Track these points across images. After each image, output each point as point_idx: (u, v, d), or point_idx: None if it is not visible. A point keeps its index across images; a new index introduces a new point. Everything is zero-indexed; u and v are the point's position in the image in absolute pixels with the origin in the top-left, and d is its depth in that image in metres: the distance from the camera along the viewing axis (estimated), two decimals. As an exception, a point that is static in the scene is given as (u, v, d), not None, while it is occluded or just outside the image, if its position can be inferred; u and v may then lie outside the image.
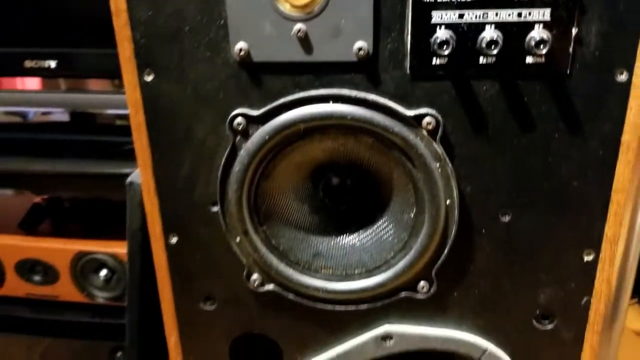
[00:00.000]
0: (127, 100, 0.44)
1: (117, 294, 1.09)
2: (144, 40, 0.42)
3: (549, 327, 0.47)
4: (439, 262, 0.45)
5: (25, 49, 1.00)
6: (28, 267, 1.10)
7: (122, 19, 0.41)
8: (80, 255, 1.06)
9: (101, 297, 1.09)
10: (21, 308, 1.14)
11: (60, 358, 1.18)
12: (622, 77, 0.39)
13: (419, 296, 0.47)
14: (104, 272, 1.09)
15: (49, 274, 1.10)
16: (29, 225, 1.12)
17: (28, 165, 1.01)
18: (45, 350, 1.18)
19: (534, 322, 0.47)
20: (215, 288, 0.50)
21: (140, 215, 0.57)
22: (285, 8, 0.40)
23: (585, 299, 0.46)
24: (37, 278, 1.11)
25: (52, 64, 1.01)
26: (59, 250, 1.07)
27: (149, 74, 0.43)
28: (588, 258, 0.44)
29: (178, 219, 0.48)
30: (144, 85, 0.43)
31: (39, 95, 1.08)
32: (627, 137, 0.40)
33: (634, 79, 0.39)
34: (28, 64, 1.02)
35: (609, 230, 0.43)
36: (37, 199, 1.20)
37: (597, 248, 0.44)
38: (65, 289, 1.10)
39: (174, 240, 0.49)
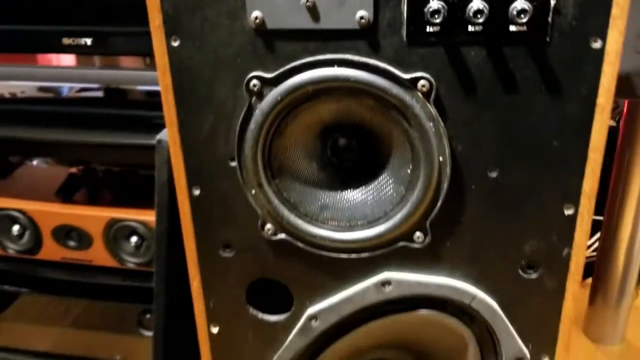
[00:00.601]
0: (156, 64, 0.50)
1: (146, 259, 1.16)
2: (171, 10, 0.48)
3: (534, 276, 0.52)
4: (433, 214, 0.50)
5: (63, 27, 1.07)
6: (64, 233, 1.17)
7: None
8: (112, 222, 1.13)
9: (131, 262, 1.16)
10: (57, 271, 1.21)
11: (93, 320, 1.26)
12: (597, 45, 0.43)
13: (415, 246, 0.52)
14: (134, 239, 1.16)
15: (83, 240, 1.17)
16: (66, 193, 1.19)
17: (65, 137, 1.08)
18: (79, 312, 1.26)
19: (520, 271, 0.52)
20: (233, 236, 0.55)
21: (167, 170, 0.63)
22: (297, -19, 0.45)
23: (566, 250, 0.50)
24: (72, 243, 1.18)
25: (88, 41, 1.08)
26: (92, 217, 1.14)
27: (175, 40, 0.49)
28: (568, 212, 0.49)
29: (200, 172, 0.53)
30: (170, 51, 0.49)
31: (74, 72, 1.15)
32: (601, 99, 0.44)
33: (607, 46, 0.43)
34: (66, 41, 1.09)
35: (586, 185, 0.47)
36: (73, 169, 1.27)
37: (576, 202, 0.48)
38: (99, 254, 1.17)
39: (197, 192, 0.54)
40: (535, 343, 0.54)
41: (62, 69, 1.15)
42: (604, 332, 1.16)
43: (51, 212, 1.16)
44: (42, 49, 1.14)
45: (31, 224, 1.18)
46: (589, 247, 1.37)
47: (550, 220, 0.49)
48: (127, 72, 1.11)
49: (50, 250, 1.19)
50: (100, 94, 1.24)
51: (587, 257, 1.35)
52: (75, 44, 1.08)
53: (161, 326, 0.76)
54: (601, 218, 1.08)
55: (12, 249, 1.21)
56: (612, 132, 1.02)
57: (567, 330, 0.53)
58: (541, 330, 0.54)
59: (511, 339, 0.54)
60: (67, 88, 1.28)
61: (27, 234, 1.19)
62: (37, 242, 1.19)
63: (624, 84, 0.89)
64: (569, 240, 0.50)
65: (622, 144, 1.02)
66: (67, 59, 1.24)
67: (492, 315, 0.53)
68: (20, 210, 1.17)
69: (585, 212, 0.48)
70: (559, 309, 0.53)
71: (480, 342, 0.56)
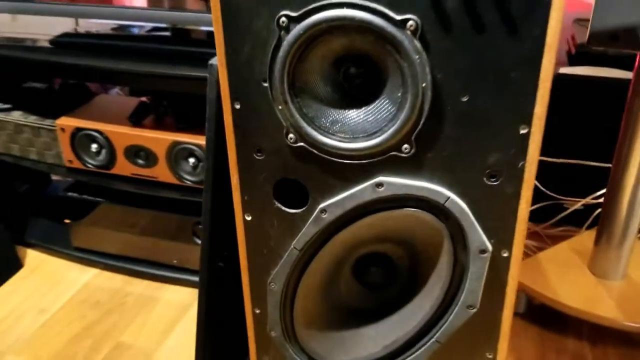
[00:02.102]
0: (210, 1, 0.65)
1: (201, 178, 1.35)
2: (223, -39, 0.62)
3: (496, 183, 0.65)
4: (417, 130, 0.64)
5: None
6: (134, 152, 1.37)
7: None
8: (174, 145, 1.32)
9: (189, 180, 1.36)
10: (127, 184, 1.41)
11: (155, 228, 1.47)
12: (546, -5, 0.55)
13: (403, 155, 0.66)
14: (192, 160, 1.35)
15: (150, 159, 1.37)
16: (137, 118, 1.38)
17: (137, 68, 1.25)
18: (145, 221, 1.47)
19: (485, 179, 0.65)
20: (264, 143, 0.71)
21: (215, 89, 0.79)
22: (316, -60, 0.58)
23: (521, 162, 0.63)
24: (140, 161, 1.38)
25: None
26: (158, 139, 1.33)
27: (225, -15, 0.63)
28: (523, 131, 0.61)
29: (241, 90, 0.69)
30: (222, -6, 0.64)
31: (146, 12, 1.31)
32: (549, 39, 0.56)
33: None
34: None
35: (537, 109, 0.60)
36: (143, 98, 1.46)
37: (529, 123, 0.61)
38: (162, 172, 1.37)
39: (237, 106, 0.70)
40: (497, 239, 0.68)
41: (137, 10, 1.31)
42: (607, 269, 1.28)
43: (124, 134, 1.36)
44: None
45: (107, 143, 1.38)
46: (599, 195, 1.46)
47: (509, 138, 0.62)
48: (191, 14, 1.26)
49: (122, 167, 1.40)
50: (168, 32, 1.41)
51: (595, 204, 1.44)
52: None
53: (208, 221, 0.93)
54: (610, 165, 1.18)
55: (90, 164, 1.42)
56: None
57: (522, 229, 0.66)
58: (502, 228, 0.67)
59: (477, 234, 0.68)
60: (139, 27, 1.46)
61: (103, 152, 1.40)
62: (111, 159, 1.40)
63: (631, 35, 0.98)
64: (523, 154, 0.62)
65: (632, 95, 1.11)
66: (140, 1, 1.40)
67: (461, 213, 0.67)
68: (98, 131, 1.38)
69: (537, 131, 0.61)
70: (516, 210, 0.66)
71: (453, 236, 0.70)
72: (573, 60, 1.50)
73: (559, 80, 1.41)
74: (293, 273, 0.77)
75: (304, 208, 0.74)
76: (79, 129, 1.37)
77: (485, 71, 0.60)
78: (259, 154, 0.72)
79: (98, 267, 1.53)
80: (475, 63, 0.60)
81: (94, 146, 1.38)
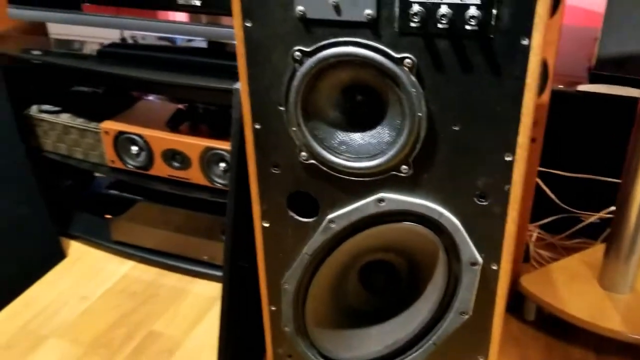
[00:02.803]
0: (235, 37, 0.74)
1: (230, 182, 1.42)
2: (246, 2, 0.71)
3: (485, 203, 0.72)
4: (414, 153, 0.72)
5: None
6: (170, 155, 1.48)
7: (235, -12, 0.71)
8: (207, 150, 1.43)
9: (219, 183, 1.46)
10: (164, 185, 1.52)
11: (188, 226, 1.57)
12: (525, 42, 0.62)
13: (402, 175, 0.74)
14: (222, 164, 1.45)
15: (184, 162, 1.48)
16: (173, 124, 1.49)
17: (175, 79, 1.36)
18: (178, 219, 1.57)
19: (475, 199, 0.72)
20: (279, 159, 0.80)
21: (239, 110, 0.88)
22: (326, -13, 0.67)
23: (507, 186, 0.70)
24: (176, 164, 1.49)
25: (197, 2, 1.34)
26: (192, 144, 1.44)
27: (248, 22, 0.72)
28: (508, 158, 0.68)
29: (260, 113, 0.78)
30: (245, 28, 0.73)
31: (185, 26, 1.42)
32: (529, 80, 0.63)
33: (532, 43, 0.61)
34: (180, 0, 1.37)
35: (520, 139, 0.67)
36: (180, 106, 1.57)
37: (513, 152, 0.68)
38: (195, 174, 1.47)
39: (257, 126, 0.79)
40: (487, 253, 0.75)
41: (177, 24, 1.41)
42: (615, 282, 1.32)
43: (161, 138, 1.48)
44: (159, 7, 1.41)
45: (146, 146, 1.50)
46: (609, 211, 1.50)
47: (495, 164, 0.69)
48: (226, 30, 1.35)
49: (159, 168, 1.51)
50: (204, 45, 1.52)
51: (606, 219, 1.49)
52: (187, 4, 1.35)
53: (231, 225, 1.02)
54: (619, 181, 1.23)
55: (130, 164, 1.54)
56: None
57: (509, 246, 0.73)
58: (491, 244, 0.74)
59: (468, 248, 0.75)
60: (179, 39, 1.57)
61: (142, 154, 1.52)
62: (149, 161, 1.51)
63: (636, 62, 1.03)
64: (508, 179, 0.69)
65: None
66: (181, 16, 1.50)
67: (454, 229, 0.74)
68: (138, 135, 1.49)
69: (520, 159, 0.68)
70: (503, 228, 0.73)
71: (447, 248, 0.77)
72: (595, 77, 1.54)
73: (576, 97, 1.46)
74: (304, 276, 0.86)
75: (314, 218, 0.82)
76: (121, 133, 1.49)
77: (473, 105, 0.67)
78: (275, 169, 0.81)
79: (135, 259, 1.65)
80: (464, 97, 0.67)
81: (134, 148, 1.50)
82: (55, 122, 1.61)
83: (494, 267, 0.76)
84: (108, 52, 1.52)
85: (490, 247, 0.75)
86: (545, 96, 1.18)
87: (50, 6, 1.52)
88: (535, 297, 1.32)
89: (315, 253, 0.83)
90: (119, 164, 1.54)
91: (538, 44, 0.61)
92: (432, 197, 0.74)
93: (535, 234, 1.62)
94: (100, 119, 1.55)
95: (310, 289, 0.87)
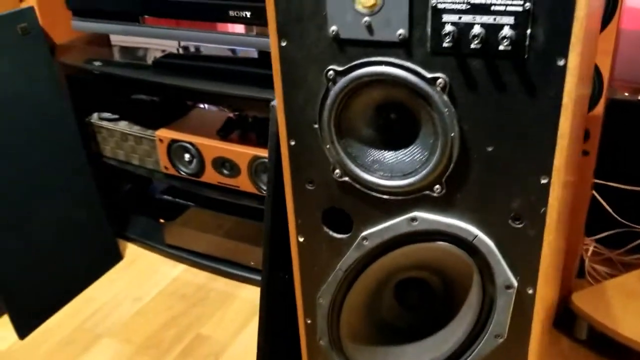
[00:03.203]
0: (271, 56, 0.75)
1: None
2: (282, 21, 0.72)
3: (520, 226, 0.70)
4: (447, 173, 0.71)
5: (229, 1, 1.36)
6: (220, 163, 1.52)
7: (271, 6, 0.72)
8: (255, 158, 1.45)
9: (266, 190, 1.47)
10: (214, 192, 1.56)
11: (236, 232, 1.60)
12: (561, 62, 0.59)
13: (435, 194, 0.73)
14: (269, 173, 1.45)
15: (234, 170, 1.51)
16: (224, 132, 1.53)
17: (226, 89, 1.39)
18: (228, 225, 1.61)
19: (510, 221, 0.70)
20: (314, 175, 0.80)
21: (275, 126, 0.89)
22: (359, 7, 0.67)
23: (543, 209, 0.68)
24: (225, 172, 1.53)
25: (247, 14, 1.37)
26: (241, 152, 1.47)
27: (283, 41, 0.73)
28: (544, 181, 0.66)
29: (295, 130, 0.79)
30: (280, 47, 0.74)
31: (235, 37, 1.44)
32: (565, 100, 0.61)
33: (569, 64, 0.59)
34: (231, 13, 1.40)
35: (557, 162, 0.64)
36: (231, 115, 1.61)
37: (549, 175, 0.65)
38: (244, 182, 1.50)
39: (292, 143, 0.80)
40: (523, 276, 0.73)
41: (231, 35, 1.44)
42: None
43: (212, 146, 1.52)
44: (212, 19, 1.44)
45: (198, 154, 1.54)
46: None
47: (531, 186, 0.67)
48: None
49: (210, 175, 1.55)
50: (255, 55, 1.54)
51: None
52: (238, 16, 1.38)
53: (268, 238, 1.04)
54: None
55: (183, 171, 1.59)
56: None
57: (545, 269, 0.71)
58: (527, 267, 0.72)
59: (503, 270, 0.73)
60: (239, 50, 1.60)
61: (194, 161, 1.56)
62: (201, 168, 1.55)
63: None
64: (544, 202, 0.67)
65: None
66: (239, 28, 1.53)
67: (488, 251, 0.73)
68: (190, 143, 1.54)
69: (557, 182, 0.66)
70: (539, 252, 0.71)
71: (482, 270, 0.75)
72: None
73: (637, 106, 1.39)
74: (339, 291, 0.86)
75: (348, 234, 0.82)
76: (174, 141, 1.54)
77: (507, 125, 0.65)
78: (310, 185, 0.82)
79: (186, 263, 1.70)
80: (498, 117, 0.65)
81: (187, 156, 1.55)
82: (113, 130, 1.68)
83: (530, 291, 0.73)
84: (162, 63, 1.58)
85: (526, 270, 0.72)
86: (600, 107, 1.13)
87: (112, 19, 1.59)
88: (587, 315, 1.27)
89: (350, 269, 0.83)
90: (172, 171, 1.59)
91: (575, 65, 0.59)
92: (465, 218, 0.73)
93: (591, 248, 1.56)
94: (156, 127, 1.61)
95: (345, 304, 0.87)
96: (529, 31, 0.60)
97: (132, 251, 1.78)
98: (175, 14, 1.51)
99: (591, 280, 1.50)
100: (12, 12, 1.42)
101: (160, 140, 1.57)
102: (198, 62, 1.56)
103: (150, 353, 1.38)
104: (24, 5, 1.64)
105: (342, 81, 0.71)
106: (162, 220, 1.71)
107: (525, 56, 0.61)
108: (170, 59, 1.61)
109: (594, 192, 1.47)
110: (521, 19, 0.60)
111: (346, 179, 0.78)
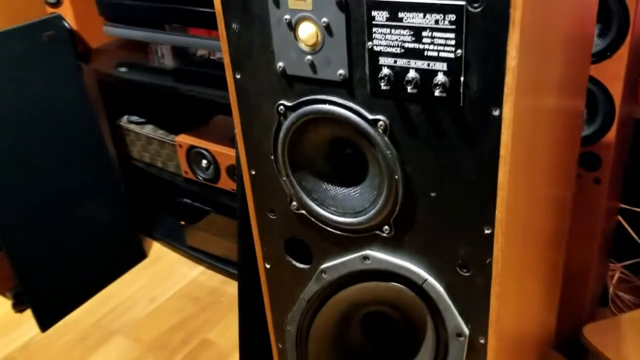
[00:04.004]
0: (228, 89, 0.75)
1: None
2: (235, 55, 0.72)
3: (467, 274, 0.67)
4: (394, 215, 0.68)
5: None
6: (232, 170, 1.53)
7: (224, 40, 0.71)
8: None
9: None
10: (229, 198, 1.58)
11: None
12: (496, 113, 0.56)
13: (384, 235, 0.71)
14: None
15: (245, 179, 1.49)
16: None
17: (223, 99, 1.38)
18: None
19: (457, 269, 0.67)
20: (274, 205, 0.80)
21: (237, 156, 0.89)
22: (302, 45, 0.65)
23: (488, 260, 0.64)
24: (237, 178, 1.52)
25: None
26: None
27: (238, 74, 0.73)
28: (487, 231, 0.63)
29: (255, 160, 0.78)
30: (235, 80, 0.74)
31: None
32: (503, 152, 0.57)
33: (504, 115, 0.55)
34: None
35: (498, 214, 0.61)
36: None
37: (492, 225, 0.62)
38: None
39: (253, 172, 0.80)
40: (474, 325, 0.70)
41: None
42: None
43: (226, 154, 1.53)
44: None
45: (214, 161, 1.56)
46: None
47: (475, 236, 0.64)
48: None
49: (225, 182, 1.57)
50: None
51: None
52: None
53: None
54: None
55: (201, 176, 1.62)
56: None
57: (495, 321, 0.68)
58: (477, 316, 0.69)
59: (453, 317, 0.70)
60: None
61: (211, 168, 1.59)
62: (217, 175, 1.58)
63: None
64: (489, 252, 0.64)
65: None
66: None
67: (438, 296, 0.70)
68: (206, 149, 1.56)
69: (500, 234, 0.62)
70: (488, 302, 0.67)
71: (434, 315, 0.73)
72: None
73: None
74: (304, 319, 0.86)
75: (310, 265, 0.81)
76: (192, 147, 1.57)
77: (449, 172, 0.62)
78: (271, 214, 0.81)
79: (204, 265, 1.74)
80: (440, 163, 0.63)
81: (204, 162, 1.57)
82: (139, 133, 1.73)
83: (482, 341, 0.70)
84: (181, 70, 1.61)
85: (477, 319, 0.69)
86: (612, 134, 1.06)
87: (140, 25, 1.63)
88: (597, 350, 1.20)
89: (312, 299, 0.83)
90: (191, 175, 1.63)
91: (510, 116, 0.55)
92: (415, 261, 0.71)
93: (617, 275, 1.47)
94: (178, 132, 1.64)
95: (311, 333, 0.86)
96: (462, 79, 0.57)
97: (156, 250, 1.84)
98: (198, 24, 1.53)
99: (614, 310, 1.41)
100: (39, 21, 1.49)
101: (180, 146, 1.61)
102: (216, 70, 1.58)
103: (156, 354, 1.43)
104: (57, 11, 1.72)
105: (292, 117, 0.70)
106: (182, 223, 1.75)
107: (461, 104, 0.58)
108: (188, 66, 1.64)
109: (619, 217, 1.38)
110: (454, 66, 0.56)
111: (303, 211, 0.77)
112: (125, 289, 1.68)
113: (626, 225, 1.39)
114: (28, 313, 1.55)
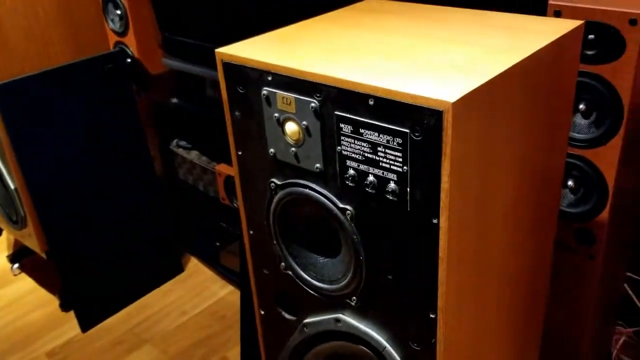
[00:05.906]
0: (232, 163, 0.87)
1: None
2: (237, 136, 0.84)
3: (418, 349, 0.76)
4: (359, 289, 0.78)
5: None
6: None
7: (229, 122, 0.84)
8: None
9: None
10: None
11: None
12: (435, 221, 0.65)
13: (353, 304, 0.81)
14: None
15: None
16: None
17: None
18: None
19: (410, 343, 0.76)
20: (268, 263, 0.91)
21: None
22: (287, 138, 0.76)
23: (433, 340, 0.73)
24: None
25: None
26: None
27: (240, 151, 0.85)
28: (432, 316, 0.71)
29: (254, 222, 0.90)
30: (238, 156, 0.85)
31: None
32: (441, 254, 0.66)
33: (441, 224, 0.64)
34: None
35: (440, 304, 0.69)
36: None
37: (436, 312, 0.71)
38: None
39: (252, 232, 0.91)
40: (425, 394, 0.78)
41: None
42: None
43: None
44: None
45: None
46: None
47: (422, 318, 0.73)
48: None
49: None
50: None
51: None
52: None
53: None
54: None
55: (236, 204, 1.74)
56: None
57: (441, 394, 0.76)
58: (427, 387, 0.78)
59: (407, 384, 0.79)
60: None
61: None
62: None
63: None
64: (434, 334, 0.72)
65: None
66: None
67: (394, 364, 0.79)
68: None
69: (442, 320, 0.71)
70: (436, 377, 0.76)
71: (393, 379, 0.82)
72: None
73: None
74: (290, 363, 0.96)
75: (296, 317, 0.92)
76: (230, 177, 1.71)
77: (401, 262, 0.72)
78: (266, 270, 0.93)
79: (234, 285, 1.87)
80: (394, 253, 0.72)
81: (239, 191, 1.71)
82: (185, 157, 1.89)
83: (434, 411, 0.79)
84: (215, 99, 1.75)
85: (429, 391, 0.78)
86: (605, 214, 1.11)
87: (193, 62, 1.79)
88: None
89: (298, 348, 0.93)
90: (227, 202, 1.77)
91: (446, 225, 0.64)
92: (377, 329, 0.80)
93: (622, 339, 1.49)
94: (220, 160, 1.79)
95: (297, 375, 0.97)
96: (408, 189, 0.66)
97: (193, 265, 1.99)
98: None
99: (616, 375, 1.44)
100: (103, 55, 1.67)
101: (219, 174, 1.75)
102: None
103: (178, 366, 1.57)
104: (122, 40, 1.90)
105: (280, 193, 0.81)
106: (218, 244, 1.89)
107: (408, 209, 0.67)
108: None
109: (626, 285, 1.41)
110: (402, 179, 0.66)
111: (290, 272, 0.88)
112: (160, 299, 1.84)
113: (632, 294, 1.41)
114: (72, 313, 1.74)
